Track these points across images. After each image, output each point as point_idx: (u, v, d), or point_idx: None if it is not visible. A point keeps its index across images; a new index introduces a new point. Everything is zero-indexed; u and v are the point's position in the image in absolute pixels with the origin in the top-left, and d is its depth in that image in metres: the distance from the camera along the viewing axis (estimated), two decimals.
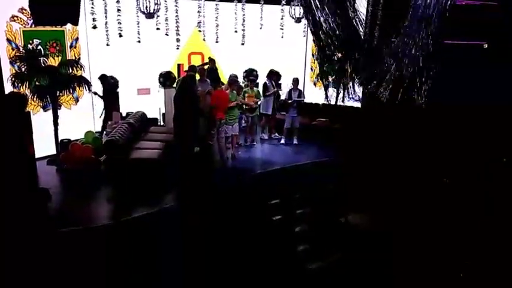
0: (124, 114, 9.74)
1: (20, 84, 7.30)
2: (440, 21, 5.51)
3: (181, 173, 7.42)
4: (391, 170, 7.25)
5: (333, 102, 11.02)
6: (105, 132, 9.11)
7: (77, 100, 9.28)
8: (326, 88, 11.10)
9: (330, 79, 10.74)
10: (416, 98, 5.90)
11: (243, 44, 11.35)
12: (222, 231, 6.28)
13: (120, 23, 9.18)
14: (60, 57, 8.69)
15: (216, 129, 8.22)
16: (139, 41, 9.83)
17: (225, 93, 8.44)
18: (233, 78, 9.15)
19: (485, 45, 6.99)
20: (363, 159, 8.17)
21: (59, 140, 7.95)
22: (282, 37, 11.42)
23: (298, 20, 11.04)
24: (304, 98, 9.91)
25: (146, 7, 8.91)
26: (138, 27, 9.47)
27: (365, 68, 6.24)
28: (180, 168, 7.48)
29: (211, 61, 10.23)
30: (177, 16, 9.71)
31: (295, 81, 9.87)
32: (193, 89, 8.19)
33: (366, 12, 6.69)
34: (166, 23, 9.66)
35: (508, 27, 6.45)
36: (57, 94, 7.59)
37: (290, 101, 9.69)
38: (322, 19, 6.17)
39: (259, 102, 9.76)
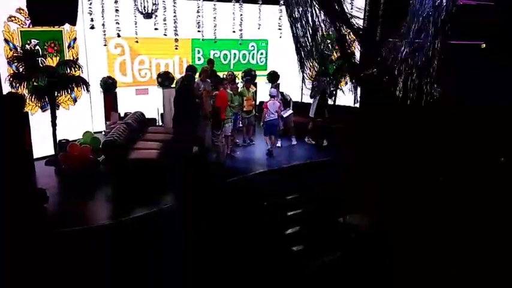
0: (122, 115, 9.74)
1: (18, 85, 7.28)
2: (442, 21, 5.52)
3: (180, 173, 7.41)
4: (391, 170, 7.26)
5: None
6: (103, 132, 9.12)
7: (75, 100, 9.26)
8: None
9: (328, 79, 10.70)
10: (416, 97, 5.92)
11: (240, 44, 11.36)
12: (220, 231, 6.28)
13: (118, 23, 9.16)
14: (58, 58, 8.67)
15: (220, 130, 8.26)
16: (137, 41, 9.83)
17: (225, 93, 8.47)
18: (232, 81, 9.23)
19: (483, 45, 7.01)
20: (363, 159, 8.19)
21: (57, 140, 7.94)
22: (281, 37, 11.41)
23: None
24: (290, 98, 9.86)
25: (144, 7, 8.89)
26: (136, 27, 9.45)
27: (364, 68, 6.26)
28: (179, 168, 7.48)
29: (210, 62, 10.22)
30: (175, 16, 9.69)
31: (274, 87, 9.83)
32: (192, 89, 8.20)
33: (364, 11, 6.69)
34: (165, 23, 9.64)
35: (503, 27, 6.48)
36: (55, 94, 7.57)
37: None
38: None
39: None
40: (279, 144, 9.74)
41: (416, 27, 5.46)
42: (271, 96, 9.15)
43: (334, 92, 9.93)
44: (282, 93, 9.78)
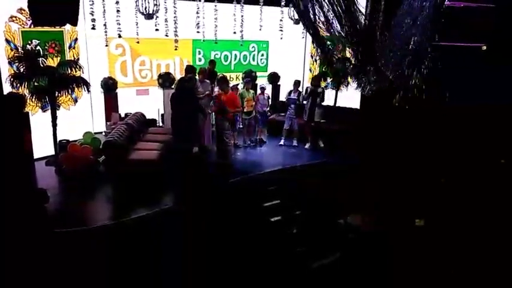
0: (123, 115, 9.73)
1: (18, 85, 7.28)
2: (432, 21, 5.51)
3: (180, 173, 7.40)
4: (390, 170, 7.25)
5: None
6: (103, 132, 9.11)
7: (75, 101, 9.27)
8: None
9: (329, 80, 10.74)
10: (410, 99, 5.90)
11: (241, 45, 11.37)
12: (221, 232, 6.27)
13: (119, 23, 9.17)
14: (59, 58, 8.68)
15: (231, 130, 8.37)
16: (138, 42, 9.83)
17: (235, 96, 8.59)
18: (234, 85, 9.41)
19: (484, 47, 7.00)
20: (363, 160, 8.19)
21: (58, 140, 7.93)
22: (281, 38, 11.43)
23: (297, 22, 11.04)
24: (299, 102, 9.90)
25: (145, 8, 8.90)
26: (137, 28, 9.46)
27: (365, 69, 6.24)
28: (179, 169, 7.47)
29: (212, 63, 10.23)
30: (176, 17, 9.70)
31: (296, 83, 9.90)
32: (192, 89, 8.21)
33: (366, 9, 6.67)
34: (166, 24, 9.64)
35: (501, 30, 6.48)
36: (56, 95, 7.57)
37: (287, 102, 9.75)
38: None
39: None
40: (281, 142, 9.88)
41: (407, 25, 5.44)
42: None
43: (323, 95, 9.92)
44: (300, 92, 9.88)
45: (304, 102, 9.80)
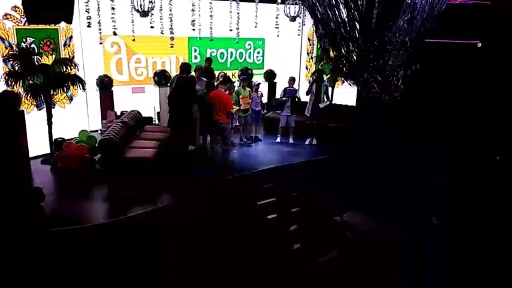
0: (118, 113, 9.70)
1: (13, 83, 7.25)
2: (429, 19, 5.52)
3: (177, 171, 7.40)
4: (388, 169, 7.27)
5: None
6: (99, 131, 9.09)
7: (71, 99, 9.24)
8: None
9: (325, 77, 10.73)
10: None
11: (237, 42, 11.37)
12: (217, 231, 6.27)
13: (114, 21, 9.13)
14: (54, 56, 8.64)
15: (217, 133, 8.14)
16: (133, 40, 9.79)
17: (223, 94, 8.26)
18: (232, 83, 9.24)
19: (479, 44, 7.03)
20: (360, 157, 8.21)
21: (53, 139, 7.91)
22: (278, 36, 11.43)
23: (293, 19, 11.05)
24: (299, 96, 9.92)
25: (141, 5, 8.86)
26: (133, 25, 9.42)
27: (360, 66, 6.27)
28: (176, 166, 7.46)
29: (209, 60, 10.20)
30: (171, 14, 9.67)
31: (292, 80, 9.90)
32: (193, 88, 8.19)
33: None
34: (161, 22, 9.61)
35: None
36: (51, 93, 7.54)
37: (284, 98, 9.70)
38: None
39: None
40: (278, 140, 9.88)
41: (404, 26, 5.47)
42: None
43: (327, 91, 9.89)
44: (296, 89, 9.89)
45: (307, 99, 9.78)
